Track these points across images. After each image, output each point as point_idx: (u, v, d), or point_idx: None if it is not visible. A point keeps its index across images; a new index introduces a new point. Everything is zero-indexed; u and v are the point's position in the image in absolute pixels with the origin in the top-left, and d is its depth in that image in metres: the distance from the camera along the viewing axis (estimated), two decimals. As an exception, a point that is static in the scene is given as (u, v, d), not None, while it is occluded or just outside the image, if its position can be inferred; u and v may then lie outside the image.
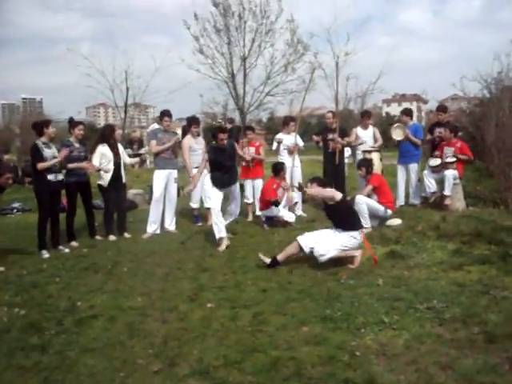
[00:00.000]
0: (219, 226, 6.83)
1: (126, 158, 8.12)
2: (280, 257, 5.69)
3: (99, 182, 7.75)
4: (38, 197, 6.96)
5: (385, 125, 18.51)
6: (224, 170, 7.03)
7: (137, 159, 10.10)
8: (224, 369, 3.27)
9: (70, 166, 7.28)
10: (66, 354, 3.62)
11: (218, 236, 6.84)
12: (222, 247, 6.74)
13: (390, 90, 45.46)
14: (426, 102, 36.71)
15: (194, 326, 4.04)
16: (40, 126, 6.96)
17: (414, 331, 3.72)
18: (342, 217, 5.78)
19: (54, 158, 6.91)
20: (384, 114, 37.69)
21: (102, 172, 7.65)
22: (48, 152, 6.85)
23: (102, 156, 7.64)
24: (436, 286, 4.68)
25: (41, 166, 6.75)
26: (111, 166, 7.65)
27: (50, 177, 6.84)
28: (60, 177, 7.04)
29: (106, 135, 7.86)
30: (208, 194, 7.32)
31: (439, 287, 4.65)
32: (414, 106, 60.54)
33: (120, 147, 8.02)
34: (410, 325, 3.83)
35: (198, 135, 8.41)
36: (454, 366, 3.17)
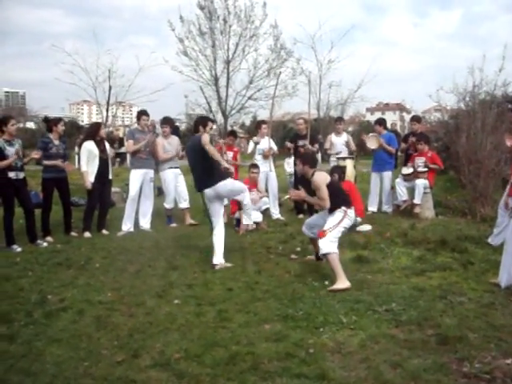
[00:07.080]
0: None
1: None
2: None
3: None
4: (1, 193, 6.94)
5: (365, 132, 18.77)
6: None
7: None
8: (184, 361, 3.40)
9: (46, 162, 7.33)
10: (33, 344, 3.72)
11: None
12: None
13: (373, 99, 45.63)
14: (409, 112, 37.05)
15: (159, 320, 4.16)
16: None
17: (370, 331, 3.87)
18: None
19: (17, 155, 6.81)
20: (366, 123, 37.84)
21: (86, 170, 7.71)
22: (10, 150, 6.75)
23: (89, 152, 7.72)
24: (397, 290, 4.83)
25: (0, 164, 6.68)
26: (96, 163, 7.72)
27: (11, 174, 6.76)
28: (21, 175, 6.94)
29: (92, 132, 8.01)
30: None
31: (400, 291, 4.81)
32: (396, 115, 61.30)
33: (107, 145, 8.09)
34: (367, 325, 3.99)
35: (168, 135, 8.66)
36: (404, 364, 3.32)
